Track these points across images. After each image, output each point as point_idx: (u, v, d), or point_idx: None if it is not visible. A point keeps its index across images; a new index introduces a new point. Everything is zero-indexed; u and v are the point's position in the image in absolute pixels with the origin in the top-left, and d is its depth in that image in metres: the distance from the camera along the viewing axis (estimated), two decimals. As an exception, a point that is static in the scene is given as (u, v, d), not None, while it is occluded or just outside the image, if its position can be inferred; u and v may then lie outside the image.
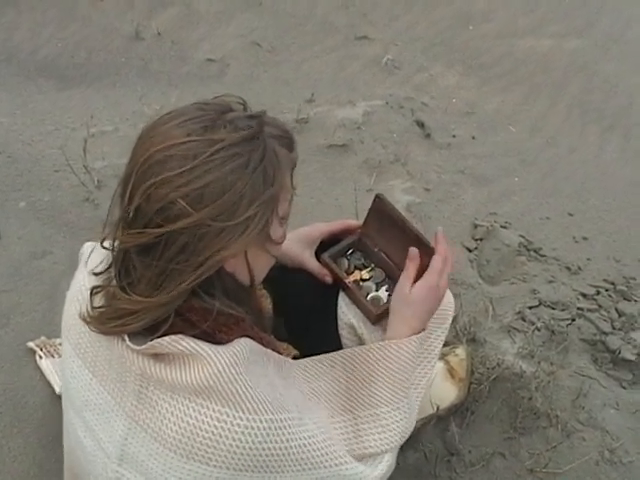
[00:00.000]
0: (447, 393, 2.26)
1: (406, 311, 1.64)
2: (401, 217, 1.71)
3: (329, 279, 1.83)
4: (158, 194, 1.21)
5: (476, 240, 2.92)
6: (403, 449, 2.25)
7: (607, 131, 3.60)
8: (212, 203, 1.21)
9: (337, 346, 1.77)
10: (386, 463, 1.58)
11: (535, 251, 2.89)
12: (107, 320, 1.32)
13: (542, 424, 2.30)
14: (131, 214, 1.23)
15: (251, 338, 1.40)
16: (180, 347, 1.29)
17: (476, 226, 2.97)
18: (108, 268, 1.36)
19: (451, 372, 2.26)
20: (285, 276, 1.80)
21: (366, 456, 1.57)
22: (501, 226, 2.97)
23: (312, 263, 1.83)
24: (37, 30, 3.91)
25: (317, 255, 1.85)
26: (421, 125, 3.47)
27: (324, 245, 1.86)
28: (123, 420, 1.40)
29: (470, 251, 2.88)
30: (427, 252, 1.67)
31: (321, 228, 1.86)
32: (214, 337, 1.33)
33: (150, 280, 1.25)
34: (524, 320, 2.59)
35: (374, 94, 3.66)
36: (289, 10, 4.19)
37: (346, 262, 1.87)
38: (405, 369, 1.61)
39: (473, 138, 3.46)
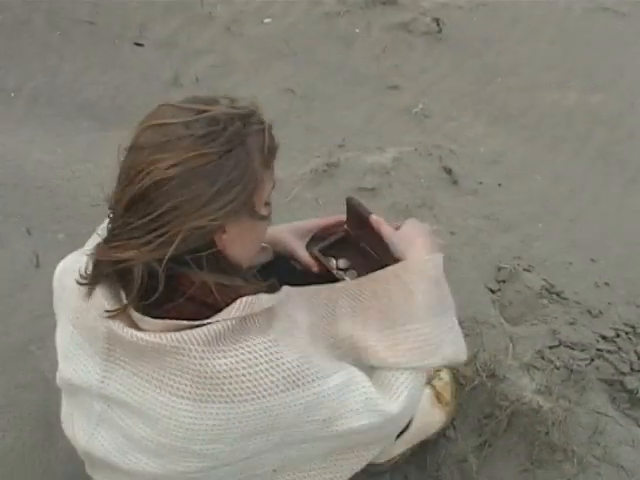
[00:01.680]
0: (436, 418, 2.31)
1: (405, 240, 1.77)
2: (368, 216, 1.85)
3: (316, 269, 1.95)
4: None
5: (499, 282, 2.99)
6: None
7: (630, 183, 3.65)
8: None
9: None
10: (406, 396, 1.64)
11: (557, 294, 2.94)
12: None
13: (558, 458, 2.34)
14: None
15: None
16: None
17: (499, 269, 3.03)
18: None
19: (438, 397, 2.32)
20: (281, 265, 1.92)
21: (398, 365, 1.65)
22: (524, 269, 3.03)
23: (302, 253, 1.96)
24: (79, 74, 4.06)
25: (307, 246, 1.99)
26: (448, 172, 3.55)
27: (316, 238, 2.00)
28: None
29: (493, 292, 2.95)
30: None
31: (315, 222, 2.00)
32: (215, 306, 1.41)
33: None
34: (543, 359, 2.65)
35: (403, 141, 3.76)
36: (322, 60, 4.32)
37: (334, 263, 1.99)
38: (417, 291, 1.68)
39: (499, 185, 3.54)
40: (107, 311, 1.41)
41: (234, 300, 1.41)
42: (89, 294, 1.46)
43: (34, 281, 2.80)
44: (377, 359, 1.66)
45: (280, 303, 1.57)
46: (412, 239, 1.76)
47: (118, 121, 3.78)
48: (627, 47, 4.63)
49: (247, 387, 1.37)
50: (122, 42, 4.29)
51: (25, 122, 3.71)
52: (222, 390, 1.36)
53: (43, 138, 3.60)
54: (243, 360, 1.37)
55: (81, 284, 1.46)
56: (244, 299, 1.41)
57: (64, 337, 1.60)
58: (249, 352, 1.38)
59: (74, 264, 1.59)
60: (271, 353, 1.40)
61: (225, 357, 1.36)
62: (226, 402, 1.37)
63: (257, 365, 1.38)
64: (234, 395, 1.37)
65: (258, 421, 1.40)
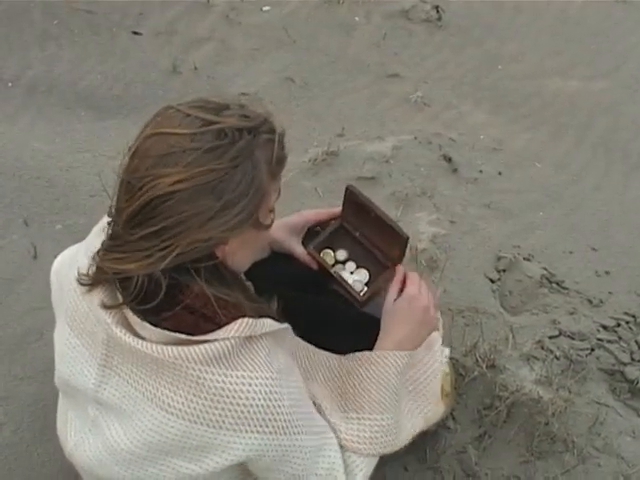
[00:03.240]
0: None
1: (390, 321, 1.77)
2: (373, 206, 1.84)
3: (315, 266, 1.96)
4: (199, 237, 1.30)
5: (499, 271, 2.97)
6: (422, 471, 2.31)
7: (633, 170, 3.63)
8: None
9: (334, 324, 1.86)
10: (360, 478, 1.64)
11: (557, 284, 2.93)
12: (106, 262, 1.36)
13: (558, 449, 2.34)
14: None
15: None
16: None
17: (499, 258, 3.02)
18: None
19: None
20: (275, 262, 1.90)
21: (357, 451, 1.64)
22: (524, 258, 3.02)
23: (299, 249, 1.96)
24: (77, 63, 4.03)
25: (303, 242, 1.98)
26: (448, 160, 3.53)
27: (311, 231, 1.99)
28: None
29: (493, 282, 2.93)
30: (399, 240, 1.81)
31: (307, 216, 1.98)
32: (214, 319, 1.39)
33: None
34: (543, 349, 2.63)
35: (403, 130, 3.74)
36: (322, 48, 4.29)
37: (332, 255, 1.99)
38: (387, 382, 1.69)
39: (499, 174, 3.52)
40: (105, 306, 1.40)
41: (235, 317, 1.39)
42: (88, 295, 1.45)
43: (32, 272, 2.79)
44: (337, 439, 1.65)
45: (286, 332, 1.57)
46: (401, 320, 1.76)
47: (116, 110, 3.77)
48: (629, 34, 4.61)
49: (238, 417, 1.36)
50: (120, 31, 4.26)
51: (23, 111, 3.69)
52: (212, 414, 1.35)
53: (41, 127, 3.59)
54: (242, 390, 1.35)
55: (82, 284, 1.44)
56: (245, 320, 1.39)
57: (61, 338, 1.59)
58: (249, 384, 1.36)
59: (71, 261, 1.58)
60: (271, 392, 1.38)
61: (224, 382, 1.35)
62: (214, 427, 1.36)
63: (254, 399, 1.36)
64: (222, 422, 1.36)
65: (239, 453, 1.40)
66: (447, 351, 2.17)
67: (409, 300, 1.77)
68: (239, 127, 1.32)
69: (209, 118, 1.31)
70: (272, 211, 1.47)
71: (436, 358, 2.00)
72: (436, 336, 2.09)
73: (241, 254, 1.45)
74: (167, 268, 1.30)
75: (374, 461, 1.68)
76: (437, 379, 1.98)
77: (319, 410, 1.65)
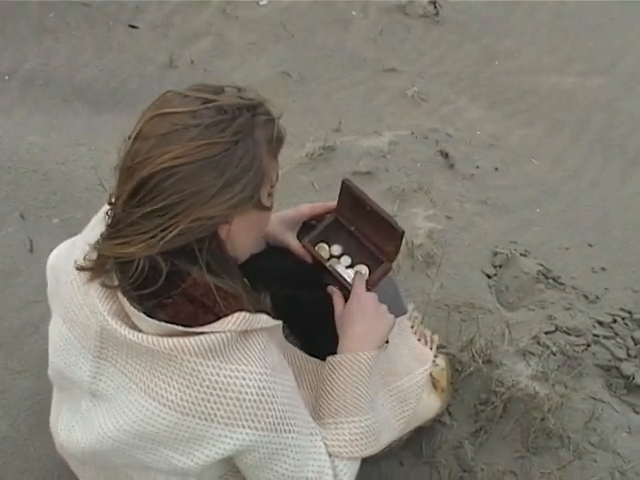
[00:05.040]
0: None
1: (345, 322, 1.76)
2: (368, 200, 1.84)
3: (310, 260, 1.93)
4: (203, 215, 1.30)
5: (495, 267, 2.98)
6: (418, 466, 2.31)
7: (629, 166, 3.64)
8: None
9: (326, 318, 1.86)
10: (346, 478, 1.63)
11: (553, 279, 2.93)
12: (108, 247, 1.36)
13: (554, 444, 2.34)
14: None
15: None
16: None
17: (496, 253, 3.02)
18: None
19: (434, 383, 2.31)
20: (270, 256, 1.90)
21: (339, 455, 1.62)
22: (520, 254, 3.02)
23: (294, 243, 1.94)
24: (74, 56, 4.02)
25: (298, 236, 1.96)
26: (445, 155, 3.54)
27: (306, 225, 1.97)
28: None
29: (489, 277, 2.93)
30: (394, 234, 1.81)
31: (303, 210, 1.96)
32: (213, 310, 1.38)
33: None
34: (540, 344, 2.64)
35: (400, 125, 3.74)
36: (319, 43, 4.29)
37: (327, 249, 1.98)
38: (360, 384, 1.67)
39: (496, 169, 3.52)
40: (105, 285, 1.40)
41: (234, 309, 1.39)
42: (84, 287, 1.44)
43: (28, 266, 2.78)
44: None
45: (279, 329, 1.56)
46: (355, 318, 1.75)
47: (113, 104, 3.76)
48: (626, 30, 4.62)
49: (230, 411, 1.36)
50: (117, 24, 4.25)
51: (19, 105, 3.68)
52: (205, 407, 1.35)
53: (37, 121, 3.57)
54: (235, 384, 1.35)
55: (83, 269, 1.43)
56: (242, 314, 1.39)
57: (54, 330, 1.58)
58: (243, 378, 1.35)
59: (67, 254, 1.58)
60: (264, 387, 1.38)
61: (218, 374, 1.34)
62: (205, 419, 1.36)
63: (247, 394, 1.36)
64: (214, 415, 1.35)
65: (229, 447, 1.39)
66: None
67: (357, 298, 1.77)
68: (239, 105, 1.33)
69: (209, 97, 1.32)
70: (271, 195, 1.48)
71: (426, 375, 2.00)
72: (429, 353, 2.10)
73: (244, 236, 1.45)
74: (168, 253, 1.30)
75: (357, 464, 1.66)
76: (421, 393, 1.98)
77: None
